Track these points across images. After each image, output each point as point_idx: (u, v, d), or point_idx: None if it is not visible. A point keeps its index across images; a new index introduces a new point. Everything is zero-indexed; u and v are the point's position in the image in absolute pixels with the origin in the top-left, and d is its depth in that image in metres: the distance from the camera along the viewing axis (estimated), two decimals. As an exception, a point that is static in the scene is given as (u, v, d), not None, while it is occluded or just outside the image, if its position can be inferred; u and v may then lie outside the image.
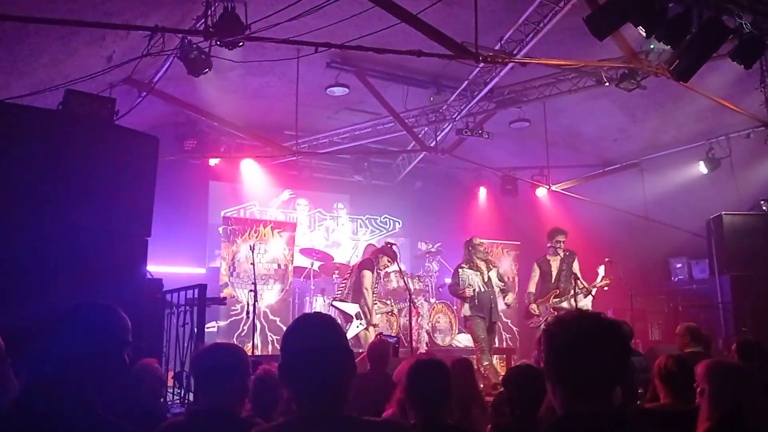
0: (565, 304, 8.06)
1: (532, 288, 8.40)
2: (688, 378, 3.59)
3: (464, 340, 9.78)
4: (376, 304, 8.18)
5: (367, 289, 7.89)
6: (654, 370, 3.82)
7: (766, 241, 8.87)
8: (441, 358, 3.35)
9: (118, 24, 5.48)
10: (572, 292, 8.02)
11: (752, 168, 10.01)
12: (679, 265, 11.85)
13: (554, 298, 8.17)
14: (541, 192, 11.96)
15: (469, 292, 7.69)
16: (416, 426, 2.75)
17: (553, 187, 11.53)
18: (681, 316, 10.58)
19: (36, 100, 5.76)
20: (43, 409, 1.85)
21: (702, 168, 10.25)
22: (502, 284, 8.16)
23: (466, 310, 7.83)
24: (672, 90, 8.72)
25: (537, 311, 8.19)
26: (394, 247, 7.92)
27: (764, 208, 9.35)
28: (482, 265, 7.94)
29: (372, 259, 8.19)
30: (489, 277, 7.90)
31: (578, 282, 8.10)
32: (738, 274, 8.80)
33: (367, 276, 7.93)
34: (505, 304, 8.23)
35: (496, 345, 11.26)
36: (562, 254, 8.31)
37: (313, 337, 1.93)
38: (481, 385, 6.15)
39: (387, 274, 9.11)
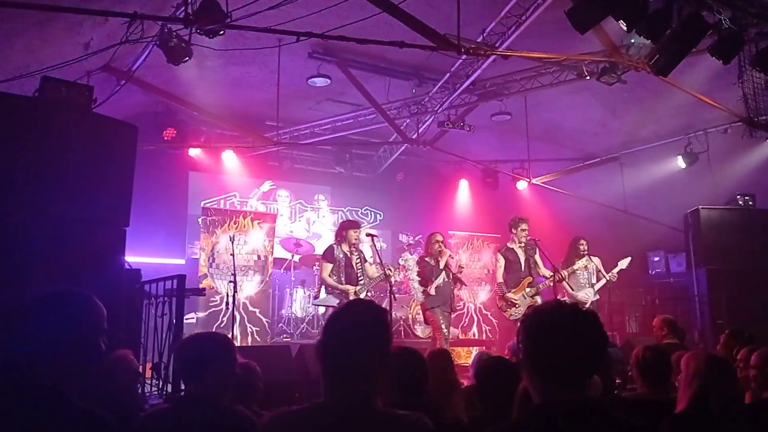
0: (537, 296, 8.13)
1: (500, 278, 8.28)
2: (664, 368, 3.65)
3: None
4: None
5: (324, 278, 7.59)
6: (631, 360, 3.87)
7: (742, 235, 9.00)
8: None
9: (96, 10, 5.39)
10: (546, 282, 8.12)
11: (729, 163, 10.15)
12: (656, 259, 11.99)
13: (528, 286, 8.15)
14: (522, 185, 12.02)
15: (436, 283, 7.71)
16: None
17: (534, 181, 11.60)
18: (658, 308, 10.71)
19: (11, 86, 5.66)
20: (15, 398, 1.82)
21: (680, 162, 10.38)
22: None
23: (427, 300, 7.72)
24: (652, 85, 8.79)
25: (517, 300, 8.12)
26: (374, 238, 7.82)
27: (740, 202, 9.46)
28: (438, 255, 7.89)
29: (332, 246, 7.80)
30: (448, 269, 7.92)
31: (539, 271, 8.18)
32: (714, 267, 8.92)
33: (324, 267, 7.61)
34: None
35: (476, 337, 11.40)
36: (524, 242, 8.28)
37: (354, 321, 1.97)
38: None
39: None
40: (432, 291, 7.66)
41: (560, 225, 12.08)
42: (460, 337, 11.28)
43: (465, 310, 11.46)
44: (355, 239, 7.77)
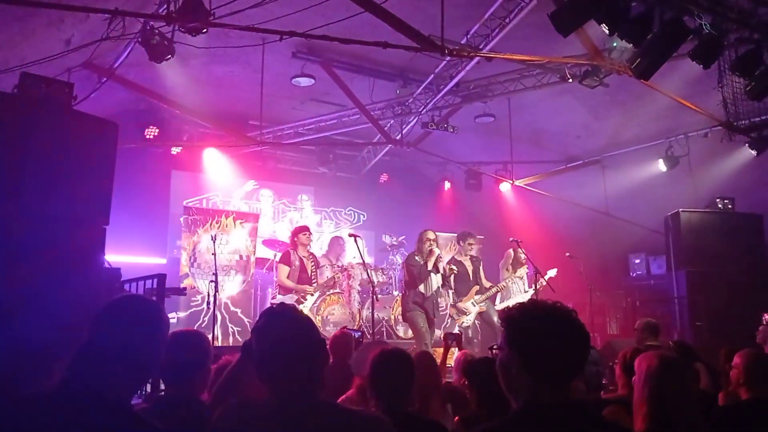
0: (485, 304, 8.46)
1: (452, 289, 8.52)
2: None
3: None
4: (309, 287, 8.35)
5: (281, 281, 8.25)
6: (617, 361, 3.90)
7: (722, 238, 9.10)
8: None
9: (77, 6, 5.32)
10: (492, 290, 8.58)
11: (709, 166, 10.26)
12: (637, 261, 12.09)
13: (476, 294, 8.44)
14: (505, 187, 12.08)
15: (430, 286, 7.74)
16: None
17: (517, 182, 11.65)
18: (639, 310, 10.80)
19: (-10, 82, 5.59)
20: (83, 413, 1.75)
21: (661, 165, 10.48)
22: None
23: (408, 304, 7.78)
24: (634, 89, 8.87)
25: (466, 309, 8.38)
26: (357, 239, 7.83)
27: (720, 205, 9.57)
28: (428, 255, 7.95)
29: (289, 252, 8.42)
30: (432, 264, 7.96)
31: (482, 282, 8.62)
32: (694, 269, 9.02)
33: (281, 270, 8.28)
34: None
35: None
36: (470, 256, 8.71)
37: (282, 330, 1.99)
38: None
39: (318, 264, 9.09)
40: (419, 290, 7.69)
41: (542, 227, 12.16)
42: (441, 338, 11.30)
43: (447, 311, 11.47)
44: (307, 241, 8.42)
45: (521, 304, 1.97)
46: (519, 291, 9.07)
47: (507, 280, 8.86)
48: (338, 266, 9.75)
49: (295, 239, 8.42)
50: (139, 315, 1.93)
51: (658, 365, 2.83)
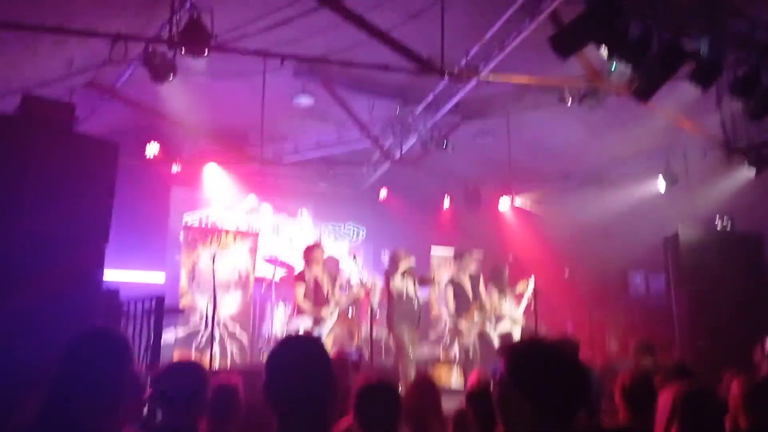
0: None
1: (452, 308, 8.57)
2: (650, 397, 3.65)
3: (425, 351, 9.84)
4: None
5: (297, 301, 7.87)
6: (616, 387, 3.89)
7: (721, 257, 9.07)
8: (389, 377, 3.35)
9: (80, 30, 5.36)
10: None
11: (708, 185, 10.27)
12: (637, 279, 12.06)
13: (477, 309, 8.48)
14: (504, 204, 12.08)
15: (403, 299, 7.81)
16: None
17: (516, 199, 11.66)
18: (638, 328, 10.78)
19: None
20: None
21: (660, 184, 10.48)
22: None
23: (393, 319, 7.82)
24: (633, 107, 8.87)
25: (465, 330, 8.39)
26: (356, 258, 7.89)
27: (720, 224, 9.56)
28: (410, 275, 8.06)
29: (303, 272, 8.08)
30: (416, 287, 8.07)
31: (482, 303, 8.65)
32: (693, 288, 8.96)
33: (297, 289, 7.90)
34: None
35: (457, 357, 11.38)
36: (469, 274, 8.72)
37: (298, 363, 1.98)
38: None
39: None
40: (405, 303, 7.75)
41: (542, 244, 12.16)
42: (441, 357, 11.26)
43: (446, 329, 11.46)
44: (322, 258, 8.12)
45: (526, 339, 1.98)
46: (511, 311, 9.06)
47: (501, 300, 8.84)
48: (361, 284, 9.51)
49: (309, 256, 8.10)
50: (105, 348, 2.09)
51: (685, 399, 2.82)
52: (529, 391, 1.83)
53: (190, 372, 2.75)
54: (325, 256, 8.37)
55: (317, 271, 8.02)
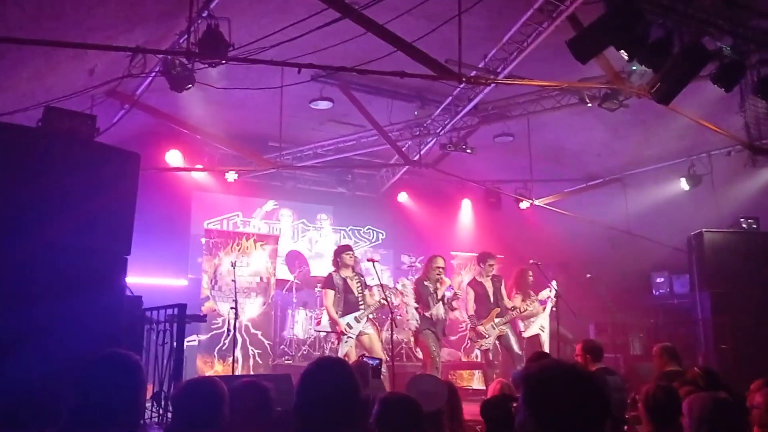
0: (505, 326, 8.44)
1: (471, 310, 8.56)
2: (674, 409, 3.59)
3: (444, 354, 9.80)
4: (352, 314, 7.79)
5: (327, 306, 7.71)
6: (640, 397, 3.83)
7: (746, 259, 8.93)
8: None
9: (100, 45, 5.41)
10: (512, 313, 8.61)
11: (733, 185, 10.12)
12: (660, 280, 11.92)
13: (497, 317, 8.41)
14: (525, 206, 11.99)
15: (435, 312, 7.80)
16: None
17: (537, 201, 11.57)
18: (661, 330, 10.66)
19: (17, 113, 5.70)
20: None
21: (683, 184, 10.35)
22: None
23: (419, 324, 7.81)
24: (655, 107, 8.71)
25: (486, 332, 8.34)
26: (375, 262, 7.82)
27: (744, 225, 9.42)
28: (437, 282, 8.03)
29: (331, 274, 7.88)
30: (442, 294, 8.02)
31: (504, 303, 8.60)
32: (718, 291, 8.84)
33: (327, 295, 7.70)
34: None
35: (479, 359, 11.34)
36: (491, 276, 8.68)
37: (329, 386, 2.05)
38: None
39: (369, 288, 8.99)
40: (427, 314, 7.73)
41: (563, 246, 12.07)
42: (463, 359, 11.24)
43: (467, 331, 11.42)
44: (352, 261, 7.85)
45: (541, 364, 1.95)
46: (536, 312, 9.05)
47: (527, 303, 8.83)
48: (391, 288, 9.19)
49: (338, 259, 7.80)
50: (119, 370, 2.19)
51: (711, 410, 2.78)
52: (538, 417, 1.81)
53: (203, 388, 2.75)
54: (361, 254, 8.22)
55: (346, 273, 7.77)
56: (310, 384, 2.06)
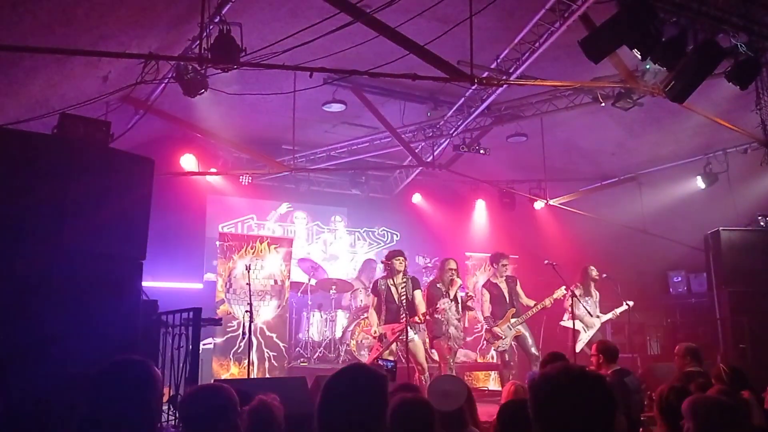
0: (521, 326, 8.42)
1: (487, 311, 8.55)
2: None
3: (461, 355, 9.79)
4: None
5: (369, 312, 7.98)
6: (656, 398, 3.81)
7: (764, 257, 8.84)
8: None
9: (112, 52, 5.47)
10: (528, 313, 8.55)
11: (749, 183, 10.02)
12: (677, 279, 11.80)
13: (513, 317, 8.40)
14: (539, 205, 11.94)
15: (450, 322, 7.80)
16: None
17: (551, 201, 11.51)
18: (679, 329, 10.57)
19: (32, 120, 5.77)
20: None
21: (700, 182, 10.27)
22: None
23: (435, 329, 7.80)
24: (670, 105, 8.64)
25: (502, 333, 8.35)
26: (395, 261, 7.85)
27: (762, 223, 9.32)
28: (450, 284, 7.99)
29: (378, 280, 8.02)
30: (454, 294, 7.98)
31: (522, 301, 8.61)
32: (736, 289, 8.77)
33: (372, 300, 7.96)
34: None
35: (494, 360, 11.30)
36: (505, 277, 8.67)
37: (350, 396, 2.05)
38: None
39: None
40: (438, 316, 7.71)
41: (578, 245, 11.99)
42: (478, 360, 11.21)
43: (483, 332, 11.38)
44: (401, 267, 7.71)
45: (547, 370, 1.94)
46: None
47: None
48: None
49: (390, 264, 7.67)
50: (131, 378, 2.21)
51: (709, 412, 2.76)
52: (541, 422, 1.81)
53: (212, 395, 2.75)
54: (365, 258, 8.22)
55: (397, 279, 7.65)
56: (331, 390, 2.05)
